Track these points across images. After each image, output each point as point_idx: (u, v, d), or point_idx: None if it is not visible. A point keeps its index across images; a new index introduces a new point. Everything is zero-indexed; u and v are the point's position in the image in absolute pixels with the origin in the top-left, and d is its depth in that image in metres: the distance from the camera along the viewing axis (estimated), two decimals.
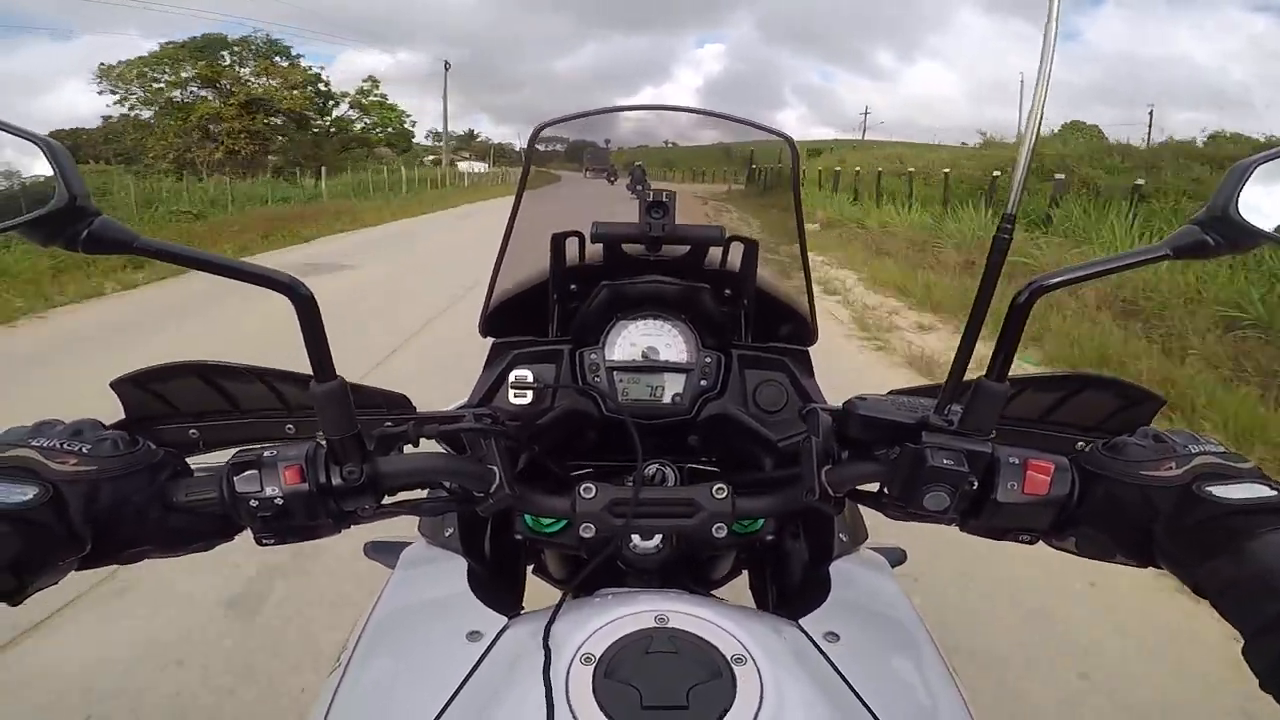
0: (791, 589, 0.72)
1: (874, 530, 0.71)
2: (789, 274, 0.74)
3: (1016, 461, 0.47)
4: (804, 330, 0.75)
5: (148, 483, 0.45)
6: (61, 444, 0.43)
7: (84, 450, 0.44)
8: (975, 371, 0.45)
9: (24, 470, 0.41)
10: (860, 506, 0.59)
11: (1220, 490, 0.41)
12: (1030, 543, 0.50)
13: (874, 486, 0.52)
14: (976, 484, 0.46)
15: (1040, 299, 0.43)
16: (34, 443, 0.43)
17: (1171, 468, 0.44)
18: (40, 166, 0.39)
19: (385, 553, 0.80)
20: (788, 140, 0.72)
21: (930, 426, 0.47)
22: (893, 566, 0.68)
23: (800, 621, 0.53)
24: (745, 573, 0.84)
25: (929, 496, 0.46)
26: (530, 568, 0.82)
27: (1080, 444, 0.60)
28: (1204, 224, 0.43)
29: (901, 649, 0.55)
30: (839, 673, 0.48)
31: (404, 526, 0.63)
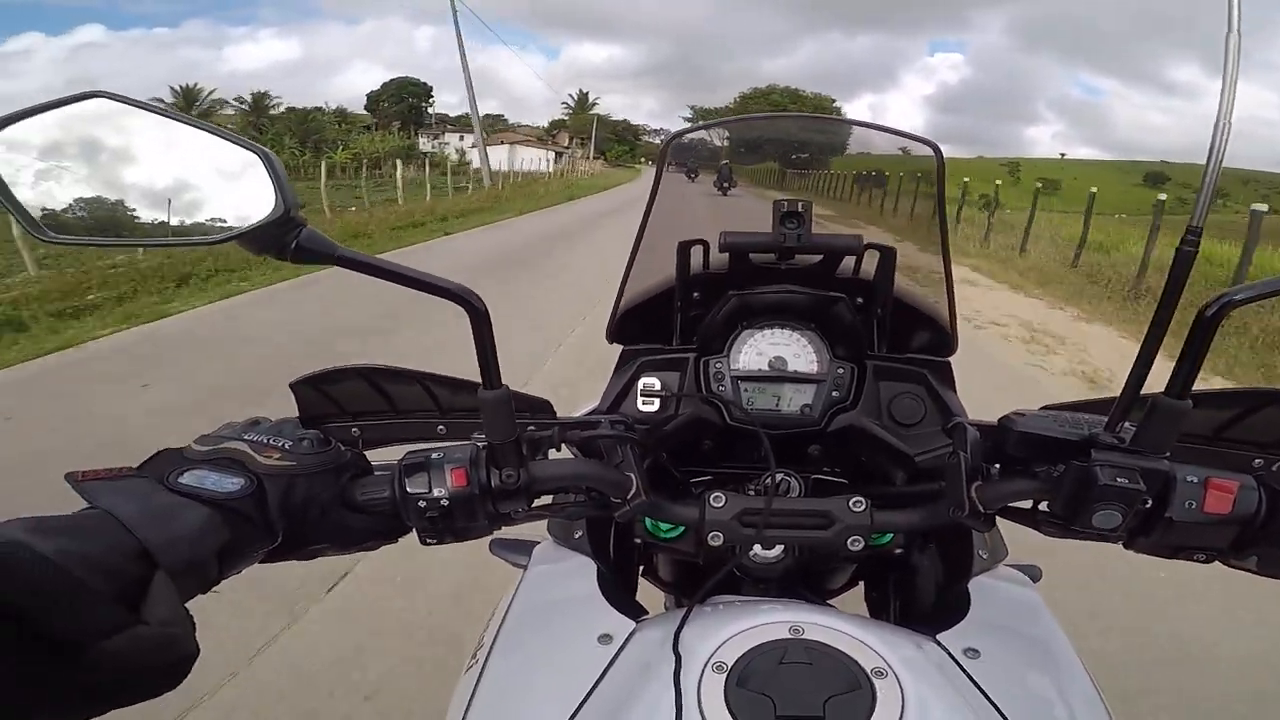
0: (919, 603, 0.71)
1: None
2: (930, 283, 0.72)
3: (1196, 480, 0.45)
4: (944, 340, 0.72)
5: (334, 481, 0.48)
6: (268, 439, 0.46)
7: (286, 446, 0.46)
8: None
9: (235, 462, 0.45)
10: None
11: None
12: (1205, 562, 0.48)
13: (1027, 503, 0.51)
14: (1150, 502, 0.45)
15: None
16: (246, 436, 0.46)
17: None
18: (258, 176, 0.40)
19: (511, 551, 0.82)
20: (934, 147, 0.71)
21: (1100, 444, 0.45)
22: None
23: (938, 637, 0.53)
24: (861, 584, 0.83)
25: (1099, 514, 0.45)
26: (640, 570, 0.83)
27: (1258, 462, 0.57)
28: None
29: (1046, 668, 0.54)
30: (981, 690, 0.47)
31: (527, 527, 0.65)
